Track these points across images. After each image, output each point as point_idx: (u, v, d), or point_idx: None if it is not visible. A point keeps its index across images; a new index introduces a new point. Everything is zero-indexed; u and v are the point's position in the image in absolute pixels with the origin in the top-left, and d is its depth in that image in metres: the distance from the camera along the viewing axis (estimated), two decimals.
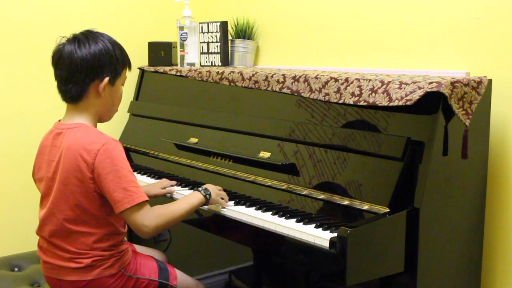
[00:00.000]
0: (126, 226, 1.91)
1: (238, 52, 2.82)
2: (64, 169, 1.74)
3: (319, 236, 1.67)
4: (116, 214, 1.78)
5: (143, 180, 2.39)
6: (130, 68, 1.89)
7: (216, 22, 2.77)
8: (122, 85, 1.87)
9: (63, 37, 1.81)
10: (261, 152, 2.14)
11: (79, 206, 1.74)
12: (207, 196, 1.93)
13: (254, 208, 1.95)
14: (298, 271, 2.20)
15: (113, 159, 1.71)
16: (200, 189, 1.95)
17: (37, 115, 2.80)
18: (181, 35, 2.80)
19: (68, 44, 1.78)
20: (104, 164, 1.70)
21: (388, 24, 2.34)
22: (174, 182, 2.25)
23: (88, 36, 1.79)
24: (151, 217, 1.74)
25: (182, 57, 2.82)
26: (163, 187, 2.20)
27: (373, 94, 1.86)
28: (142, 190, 1.74)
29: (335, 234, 1.62)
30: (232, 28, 2.86)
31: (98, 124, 1.87)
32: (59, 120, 1.86)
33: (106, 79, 1.78)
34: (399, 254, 1.71)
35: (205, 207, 1.99)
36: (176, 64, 2.90)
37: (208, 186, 1.99)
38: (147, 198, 1.74)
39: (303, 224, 1.77)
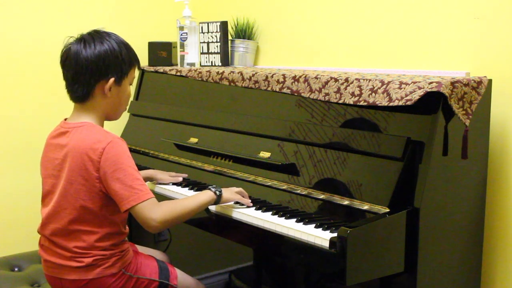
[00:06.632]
0: (127, 227, 1.91)
1: (238, 52, 2.82)
2: (70, 168, 1.74)
3: (319, 236, 1.67)
4: (119, 214, 1.79)
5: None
6: (139, 67, 1.88)
7: (216, 22, 2.77)
8: (130, 84, 1.87)
9: (70, 37, 1.81)
10: (261, 152, 2.14)
11: (83, 205, 1.74)
12: (217, 192, 1.89)
13: (254, 208, 1.95)
14: (298, 271, 2.20)
15: (118, 157, 1.72)
16: (210, 187, 1.92)
17: (39, 115, 2.81)
18: (181, 35, 2.80)
19: (75, 45, 1.78)
20: (109, 162, 1.71)
21: (388, 24, 2.34)
22: (185, 175, 2.28)
23: (94, 37, 1.79)
24: (159, 211, 1.72)
25: (182, 57, 2.82)
26: (171, 175, 2.27)
27: (373, 94, 1.86)
28: (147, 188, 1.74)
29: (335, 234, 1.62)
30: (232, 28, 2.86)
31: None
32: (65, 119, 1.86)
33: (112, 79, 1.78)
34: (399, 254, 1.71)
35: (213, 208, 1.98)
36: (176, 64, 2.90)
37: (224, 189, 1.95)
38: (153, 196, 1.74)
39: (303, 224, 1.77)
